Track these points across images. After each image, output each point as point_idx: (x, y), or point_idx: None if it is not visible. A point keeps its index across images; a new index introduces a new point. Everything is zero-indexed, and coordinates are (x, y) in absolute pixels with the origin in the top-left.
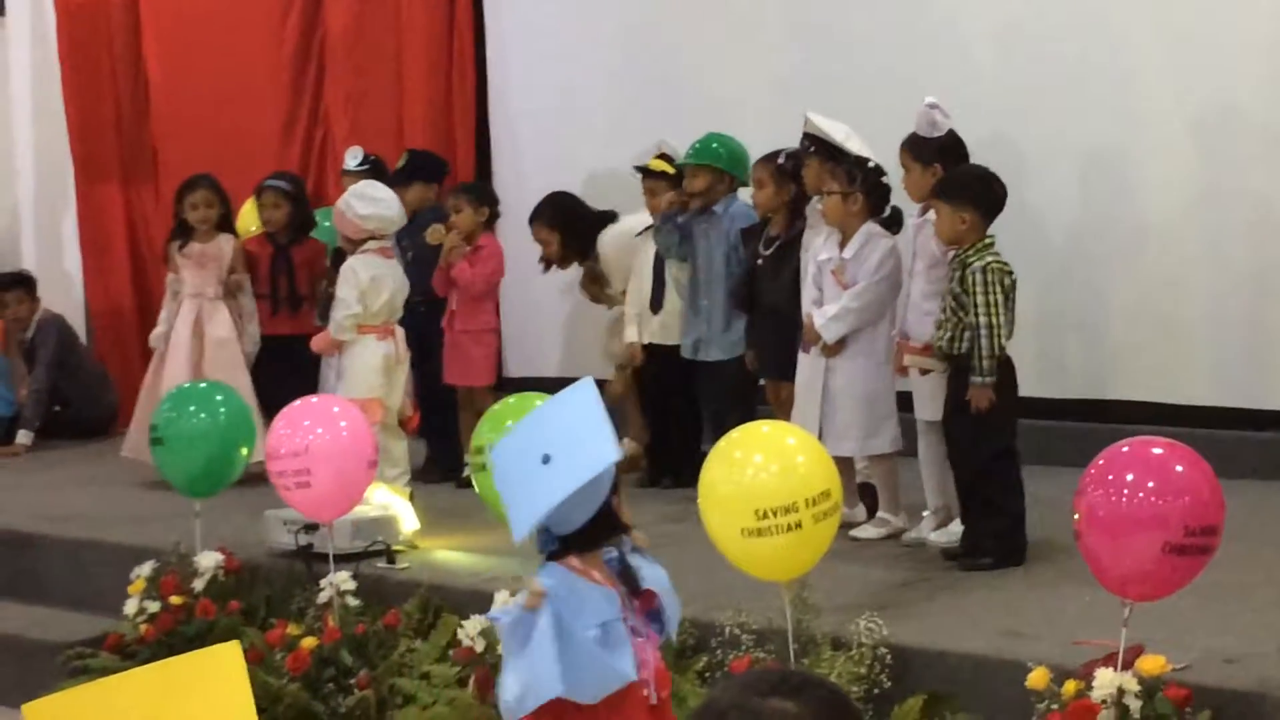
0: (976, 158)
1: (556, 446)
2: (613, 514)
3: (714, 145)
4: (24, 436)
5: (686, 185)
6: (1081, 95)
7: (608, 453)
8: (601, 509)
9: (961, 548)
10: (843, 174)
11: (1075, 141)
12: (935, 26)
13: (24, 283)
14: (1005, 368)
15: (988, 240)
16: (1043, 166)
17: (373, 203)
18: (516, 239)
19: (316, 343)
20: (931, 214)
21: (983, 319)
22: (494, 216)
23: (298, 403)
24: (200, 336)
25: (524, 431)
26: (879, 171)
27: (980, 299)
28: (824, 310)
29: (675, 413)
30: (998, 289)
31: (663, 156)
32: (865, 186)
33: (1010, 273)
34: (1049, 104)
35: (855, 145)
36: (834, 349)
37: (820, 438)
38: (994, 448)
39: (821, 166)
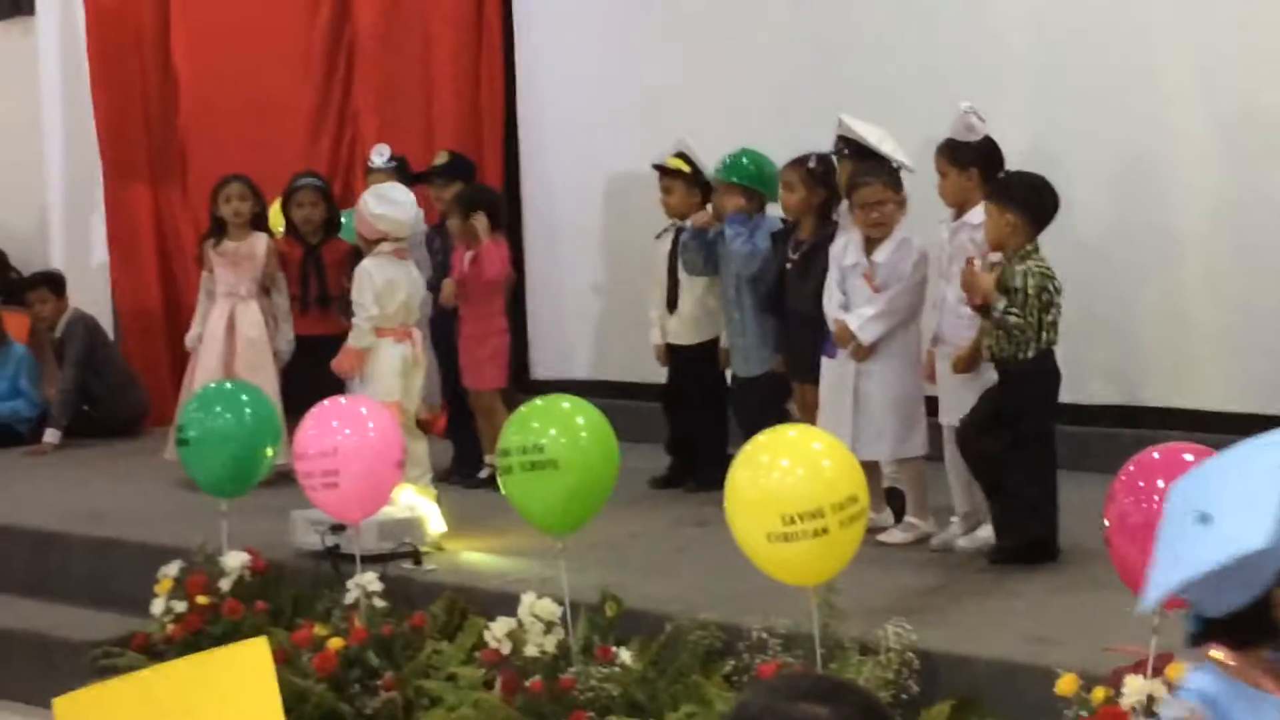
0: (1009, 158)
1: (1221, 506)
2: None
3: (744, 162)
4: (51, 436)
5: (716, 204)
6: (1113, 100)
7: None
8: (1263, 596)
9: (996, 548)
10: (895, 184)
11: (1106, 146)
12: (966, 30)
13: (50, 281)
14: (1047, 374)
15: (1033, 245)
16: (1074, 171)
17: (388, 203)
18: (542, 237)
19: (338, 365)
20: (967, 217)
21: (1013, 319)
22: (495, 219)
23: (326, 403)
24: (233, 335)
25: (1197, 477)
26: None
27: (1018, 298)
28: (859, 312)
29: (699, 413)
30: (1036, 294)
31: (680, 156)
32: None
33: (1052, 278)
34: (1080, 109)
35: (889, 148)
36: (866, 352)
37: (852, 442)
38: (1031, 452)
39: (882, 181)
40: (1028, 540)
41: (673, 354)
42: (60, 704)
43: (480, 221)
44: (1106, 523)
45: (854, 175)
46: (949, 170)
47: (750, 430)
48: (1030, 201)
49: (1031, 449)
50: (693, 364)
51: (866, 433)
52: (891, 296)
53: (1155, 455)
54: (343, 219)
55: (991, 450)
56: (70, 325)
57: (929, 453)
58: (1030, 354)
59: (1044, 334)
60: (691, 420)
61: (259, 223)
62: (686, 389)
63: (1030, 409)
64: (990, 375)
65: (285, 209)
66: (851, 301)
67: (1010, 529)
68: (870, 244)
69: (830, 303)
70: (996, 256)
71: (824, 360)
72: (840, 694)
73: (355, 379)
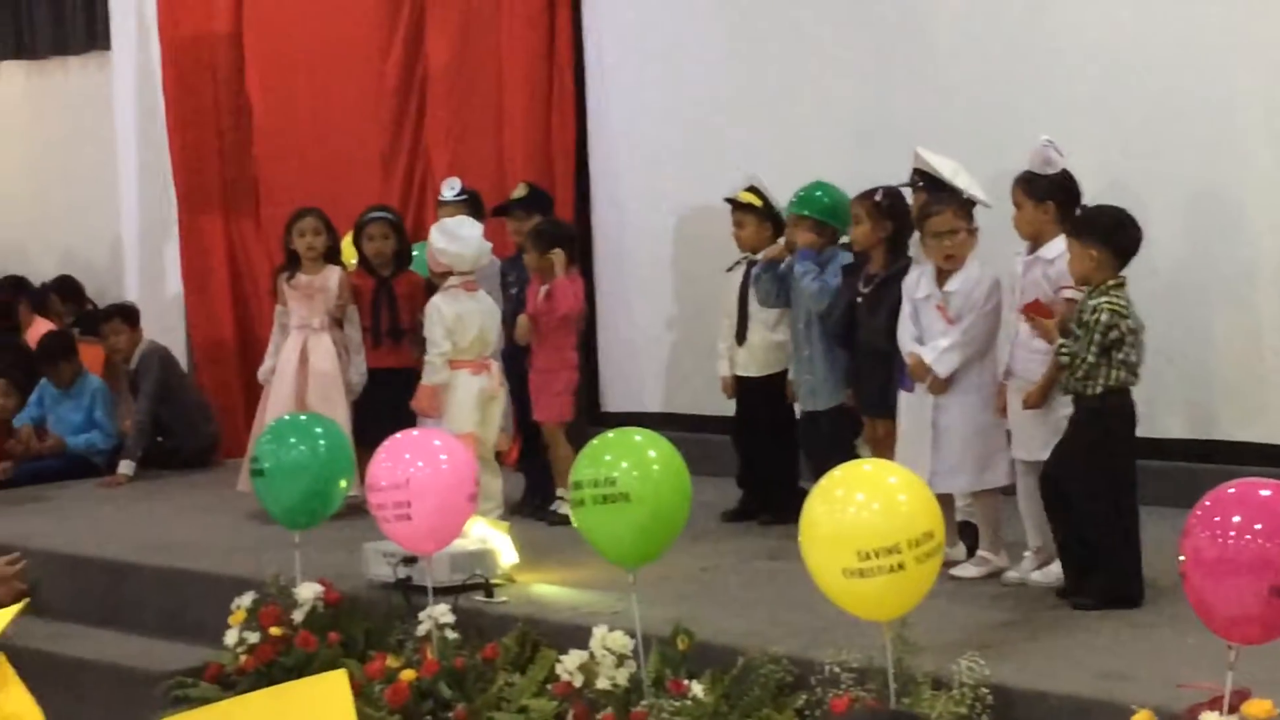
0: (1084, 190)
1: None
2: None
3: (818, 194)
4: (126, 467)
5: (788, 236)
6: (1186, 132)
7: None
8: None
9: (1067, 587)
10: (965, 213)
11: (1179, 178)
12: (1037, 62)
13: (124, 313)
14: (1116, 412)
15: (1117, 281)
16: (1146, 203)
17: (452, 239)
18: (613, 271)
19: (418, 404)
20: (1041, 251)
21: (1063, 356)
22: (570, 254)
23: (399, 435)
24: (305, 367)
25: None
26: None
27: (1084, 334)
28: (934, 345)
29: (769, 446)
30: (1104, 331)
31: (752, 190)
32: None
33: (1126, 315)
34: (1152, 141)
35: (963, 181)
36: (943, 385)
37: (930, 476)
38: (1111, 493)
39: (952, 209)
40: (1108, 593)
41: (741, 386)
42: None
43: (558, 257)
44: (1182, 558)
45: (924, 205)
46: (1025, 202)
47: (818, 464)
48: (1113, 235)
49: (1110, 493)
50: (761, 396)
51: (944, 465)
52: (965, 327)
53: (1231, 490)
54: (414, 252)
55: (1070, 493)
56: (145, 357)
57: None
58: (1097, 390)
59: (1113, 371)
60: (761, 453)
61: (332, 255)
62: (755, 421)
63: (1102, 447)
64: (1061, 411)
65: (357, 242)
66: (925, 334)
67: (1089, 577)
68: (942, 275)
69: (905, 336)
70: (1070, 292)
71: (901, 394)
72: None
73: (436, 417)
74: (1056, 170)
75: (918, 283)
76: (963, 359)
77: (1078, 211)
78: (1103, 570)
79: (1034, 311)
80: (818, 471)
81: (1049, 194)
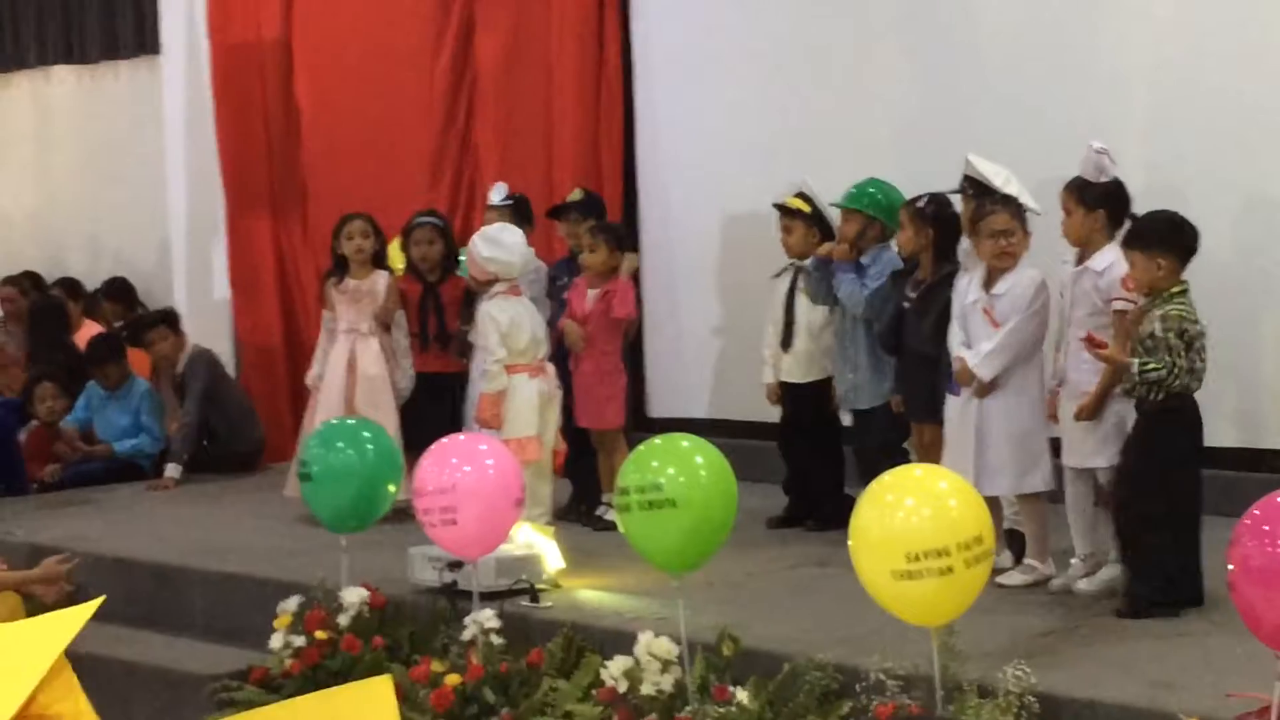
0: (1134, 197)
1: None
2: None
3: (870, 190)
4: (172, 470)
5: (839, 232)
6: (1234, 138)
7: None
8: None
9: (1124, 595)
10: (1020, 217)
11: (1228, 184)
12: (1086, 69)
13: (166, 319)
14: (1180, 417)
15: (1181, 286)
16: (1195, 210)
17: (496, 246)
18: (660, 276)
19: (480, 415)
20: (1090, 263)
21: (1152, 373)
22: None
23: (445, 440)
24: (354, 372)
25: None
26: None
27: (1160, 347)
28: (977, 349)
29: (815, 452)
30: (1176, 338)
31: (801, 195)
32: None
33: (1195, 321)
34: (1201, 148)
35: (1014, 189)
36: (988, 388)
37: (974, 478)
38: (1172, 506)
39: (1009, 211)
40: (1167, 604)
41: (787, 392)
42: None
43: (630, 261)
44: (1230, 566)
45: (978, 209)
46: (1076, 209)
47: (865, 465)
48: (1175, 240)
49: (1170, 500)
50: (806, 402)
51: (987, 467)
52: (1010, 330)
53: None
54: (461, 257)
55: (1132, 503)
56: (192, 361)
57: (1053, 487)
58: (1160, 395)
59: (1187, 379)
60: (807, 459)
61: (379, 260)
62: (801, 428)
63: (1165, 454)
64: (1112, 420)
65: (404, 247)
66: (972, 338)
67: (1148, 588)
68: (990, 279)
69: (953, 341)
70: (1121, 303)
71: (948, 398)
72: None
73: (497, 428)
74: (1109, 178)
75: (967, 288)
76: (1007, 362)
77: (1128, 221)
78: (1159, 574)
79: (1091, 345)
80: (865, 472)
81: (1100, 202)
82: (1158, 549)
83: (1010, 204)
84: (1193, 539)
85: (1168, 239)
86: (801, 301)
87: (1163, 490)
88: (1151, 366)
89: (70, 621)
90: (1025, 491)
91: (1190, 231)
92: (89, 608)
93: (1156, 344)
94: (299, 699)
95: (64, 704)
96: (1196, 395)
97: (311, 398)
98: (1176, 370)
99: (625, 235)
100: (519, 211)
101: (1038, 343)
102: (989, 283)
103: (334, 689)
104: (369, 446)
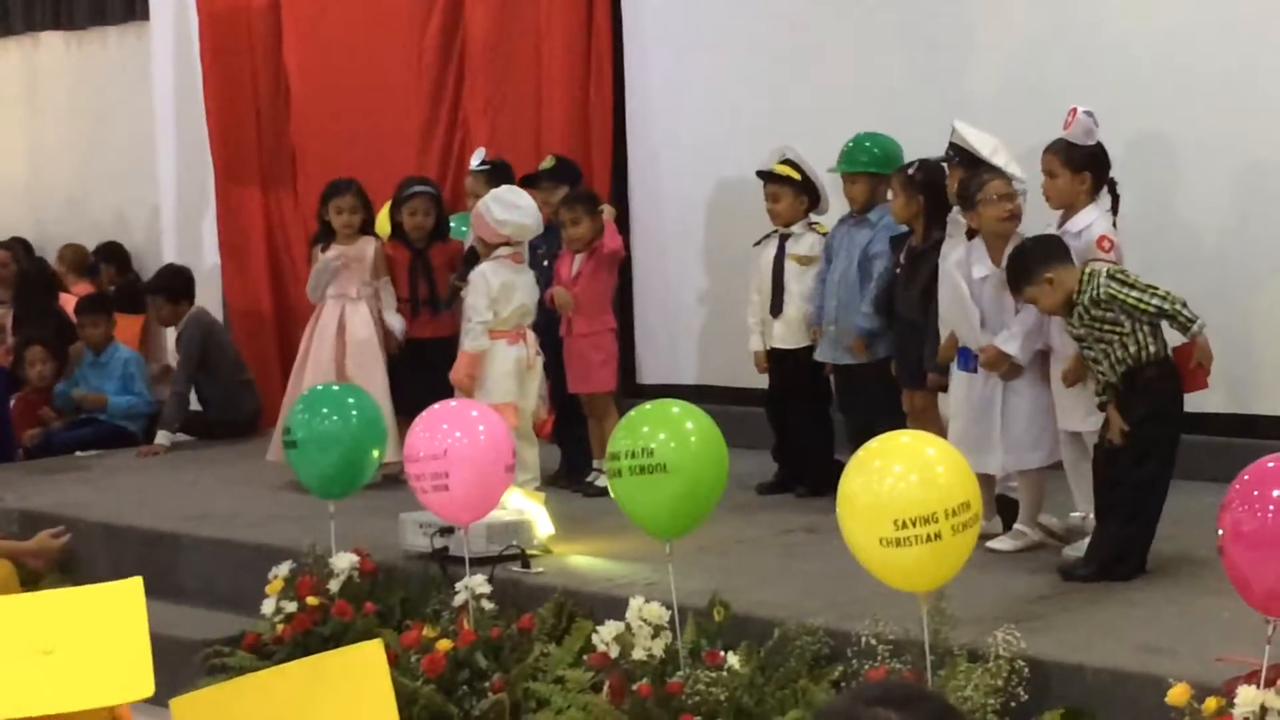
0: (1126, 163)
1: None
2: None
3: (865, 145)
4: (164, 437)
5: (846, 193)
6: (1228, 106)
7: None
8: None
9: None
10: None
11: (1222, 152)
12: (1081, 37)
13: (164, 289)
14: (1168, 390)
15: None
16: (1192, 173)
17: (512, 209)
18: (649, 243)
19: (456, 374)
20: (1069, 224)
21: (1153, 305)
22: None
23: (436, 406)
24: (343, 336)
25: None
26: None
27: (1131, 298)
28: (1010, 333)
29: (804, 418)
30: (1130, 281)
31: (787, 162)
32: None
33: (1116, 294)
34: (1194, 115)
35: (1001, 159)
36: (1017, 370)
37: (986, 456)
38: (1148, 468)
39: (1005, 178)
40: (1111, 559)
41: (776, 359)
42: (178, 704)
43: (608, 212)
44: (1220, 531)
45: (968, 178)
46: (1061, 172)
47: (862, 428)
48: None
49: (1139, 465)
50: (796, 368)
51: (1013, 444)
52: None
53: (1270, 464)
54: (452, 222)
55: (1103, 466)
56: (187, 324)
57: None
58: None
59: (1143, 347)
60: (797, 426)
61: (366, 227)
62: (790, 394)
63: (1137, 418)
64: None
65: (394, 214)
66: (987, 314)
67: (1106, 552)
68: (995, 252)
69: (958, 317)
70: (1098, 264)
71: (954, 373)
72: (914, 700)
73: (474, 390)
74: (1093, 142)
75: (969, 262)
76: (1037, 340)
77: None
78: (1107, 541)
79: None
80: (857, 431)
81: (1085, 164)
82: (1121, 513)
83: (1000, 173)
84: (1155, 505)
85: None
86: (791, 267)
87: (1134, 455)
88: (1147, 305)
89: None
90: (1048, 464)
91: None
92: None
93: (1105, 333)
94: (290, 664)
95: None
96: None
97: (298, 361)
98: (1141, 342)
99: (598, 198)
100: (499, 176)
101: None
102: (995, 255)
103: (325, 654)
104: (353, 412)
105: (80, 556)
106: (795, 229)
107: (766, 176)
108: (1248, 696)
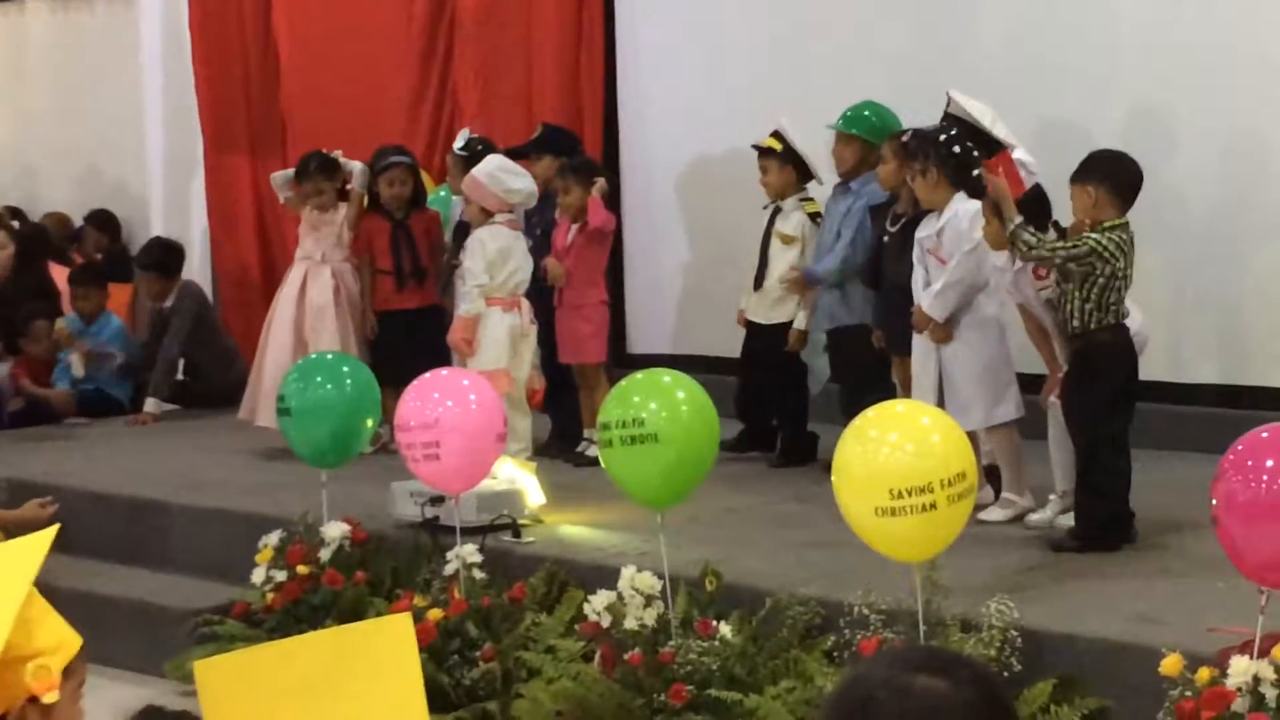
0: (1119, 134)
1: None
2: None
3: (865, 113)
4: (152, 405)
5: (835, 153)
6: (1221, 79)
7: None
8: None
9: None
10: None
11: (1214, 125)
12: (1077, 8)
13: (156, 266)
14: (1117, 350)
15: (1115, 222)
16: (1182, 147)
17: (520, 175)
18: (641, 214)
19: (452, 337)
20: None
21: (1028, 236)
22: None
23: (428, 375)
24: (304, 298)
25: None
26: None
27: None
28: (929, 291)
29: (777, 390)
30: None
31: (775, 135)
32: (939, 159)
33: (1112, 258)
34: (1188, 87)
35: (1001, 131)
36: (943, 329)
37: None
38: (1101, 431)
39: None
40: (1090, 538)
41: (750, 330)
42: (201, 667)
43: (601, 187)
44: (1214, 501)
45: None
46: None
47: (852, 395)
48: (1108, 171)
49: (1095, 435)
50: (768, 344)
51: (956, 405)
52: (954, 266)
53: (1264, 435)
54: (440, 192)
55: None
56: (179, 295)
57: (1024, 414)
58: (1089, 327)
59: (1094, 313)
60: (770, 399)
61: (342, 194)
62: (757, 364)
63: (1089, 392)
64: None
65: (372, 185)
66: (931, 277)
67: (1083, 524)
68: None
69: (916, 283)
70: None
71: (915, 337)
72: (957, 667)
73: (469, 354)
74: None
75: (923, 224)
76: (957, 299)
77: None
78: (1099, 506)
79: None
80: (848, 399)
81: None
82: (1090, 485)
83: (993, 146)
84: (1116, 474)
85: (1101, 170)
86: (775, 243)
87: (1090, 426)
88: (1028, 234)
89: (33, 552)
90: (995, 423)
91: (1129, 167)
92: (40, 541)
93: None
94: (316, 633)
95: (46, 638)
96: (1181, 331)
97: (267, 319)
98: (1050, 252)
99: (593, 166)
100: (473, 161)
101: (983, 274)
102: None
103: (352, 625)
104: (347, 381)
105: (70, 525)
106: (786, 204)
107: (759, 150)
108: (1240, 667)
